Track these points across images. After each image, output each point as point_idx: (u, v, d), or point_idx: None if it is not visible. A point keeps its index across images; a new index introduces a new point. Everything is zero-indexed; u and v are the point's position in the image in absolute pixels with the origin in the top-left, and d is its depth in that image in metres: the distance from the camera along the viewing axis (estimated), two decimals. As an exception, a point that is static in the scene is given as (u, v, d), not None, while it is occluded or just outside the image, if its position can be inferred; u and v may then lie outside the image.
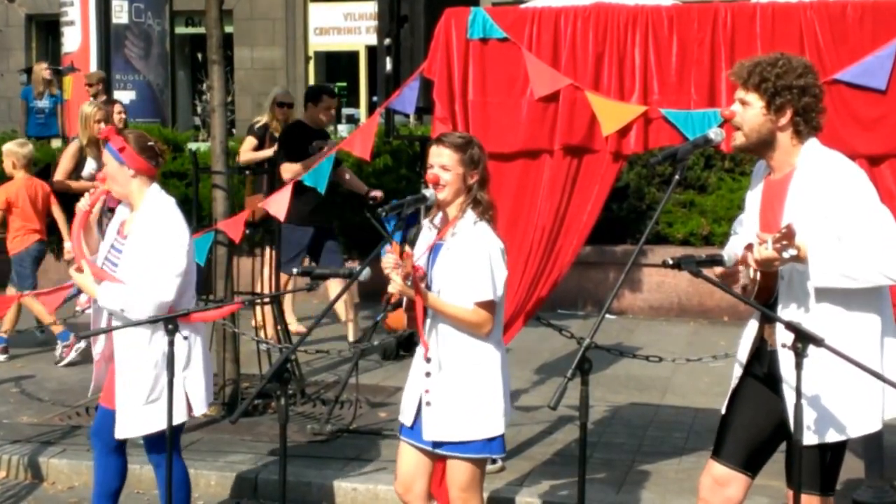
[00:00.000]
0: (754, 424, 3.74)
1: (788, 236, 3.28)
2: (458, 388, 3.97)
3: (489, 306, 3.97)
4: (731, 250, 3.64)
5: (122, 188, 4.62)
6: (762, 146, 3.65)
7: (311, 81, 16.46)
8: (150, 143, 4.64)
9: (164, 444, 4.43)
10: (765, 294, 3.65)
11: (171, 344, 4.14)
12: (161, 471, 4.54)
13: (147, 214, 4.57)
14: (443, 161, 4.01)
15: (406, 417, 4.09)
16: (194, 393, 4.59)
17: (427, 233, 4.17)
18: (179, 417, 4.51)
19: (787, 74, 3.56)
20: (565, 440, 6.31)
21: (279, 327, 7.15)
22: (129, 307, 4.41)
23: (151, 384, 4.50)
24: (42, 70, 13.29)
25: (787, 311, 3.56)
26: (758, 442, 3.75)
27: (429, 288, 4.01)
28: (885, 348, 3.58)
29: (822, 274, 3.42)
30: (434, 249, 4.06)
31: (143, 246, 4.49)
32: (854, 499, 5.27)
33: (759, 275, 3.59)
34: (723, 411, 3.84)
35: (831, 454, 3.61)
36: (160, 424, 4.50)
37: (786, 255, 3.30)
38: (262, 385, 3.71)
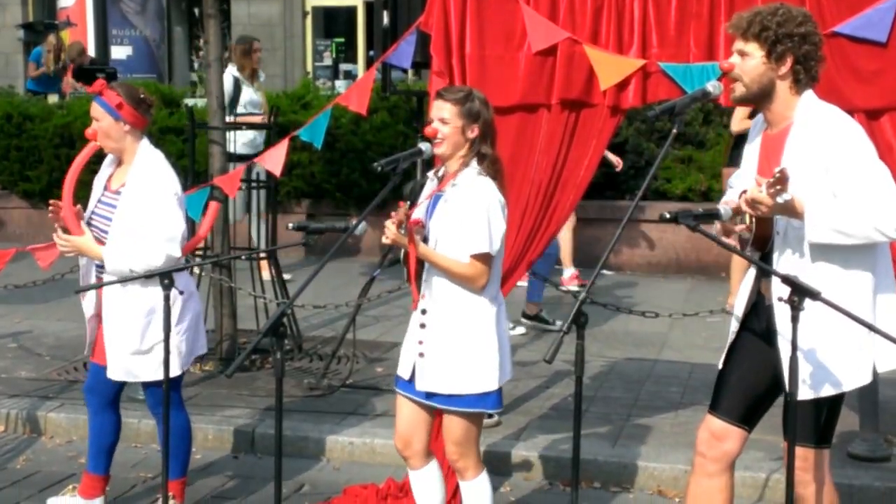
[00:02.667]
0: (751, 379, 3.75)
1: (782, 181, 3.27)
2: (450, 341, 3.96)
3: (485, 260, 3.94)
4: (728, 204, 3.63)
5: (116, 143, 4.59)
6: (762, 97, 3.63)
7: (309, 36, 16.34)
8: (141, 96, 4.63)
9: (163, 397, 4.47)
10: (760, 246, 3.64)
11: (167, 299, 4.13)
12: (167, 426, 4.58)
13: (144, 169, 4.55)
14: (442, 114, 3.98)
15: (403, 370, 4.09)
16: (185, 347, 4.62)
17: (430, 186, 4.16)
18: (173, 371, 4.52)
19: (787, 23, 3.55)
20: (561, 394, 6.34)
21: (276, 282, 7.16)
22: (139, 266, 4.40)
23: (140, 336, 4.52)
24: (48, 53, 13.39)
25: (783, 265, 3.56)
26: (755, 396, 3.76)
27: (425, 239, 4.00)
28: (877, 303, 3.59)
29: (818, 230, 3.41)
30: (433, 200, 4.04)
31: (143, 201, 4.48)
32: (848, 451, 5.30)
33: (755, 225, 3.59)
34: (720, 366, 3.84)
35: (827, 408, 3.62)
36: (150, 376, 4.55)
37: (780, 199, 3.29)
38: (259, 339, 3.68)
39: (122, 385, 4.74)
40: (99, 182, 4.70)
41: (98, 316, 4.67)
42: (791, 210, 3.39)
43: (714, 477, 3.78)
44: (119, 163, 4.67)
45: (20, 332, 7.86)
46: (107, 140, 4.57)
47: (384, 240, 3.88)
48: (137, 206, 4.48)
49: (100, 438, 4.79)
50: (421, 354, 4.00)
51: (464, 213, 3.93)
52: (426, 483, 4.18)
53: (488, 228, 3.93)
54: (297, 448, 5.65)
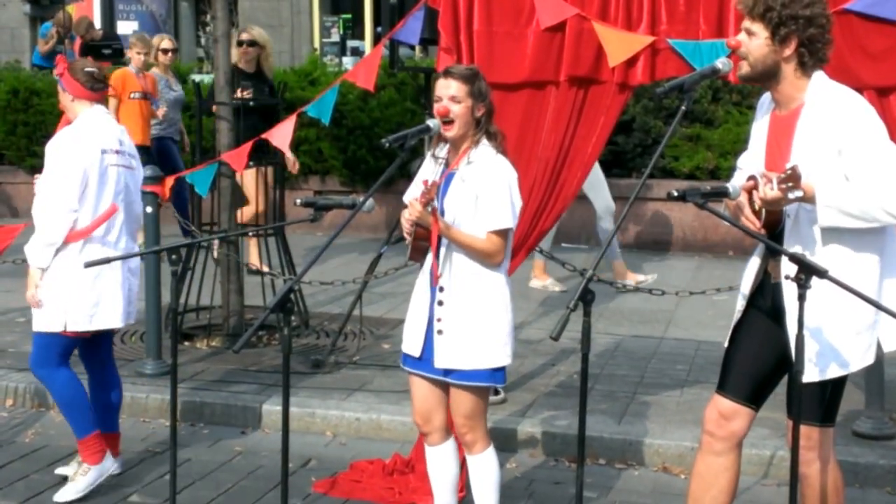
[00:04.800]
0: (758, 358, 3.75)
1: (794, 178, 3.28)
2: (469, 317, 3.98)
3: (504, 235, 3.97)
4: (736, 183, 3.62)
5: (69, 112, 4.85)
6: (767, 77, 3.61)
7: (316, 13, 16.28)
8: (87, 69, 4.80)
9: (45, 359, 4.90)
10: (769, 228, 3.64)
11: (175, 274, 4.14)
12: (47, 384, 4.98)
13: (63, 131, 4.79)
14: (451, 93, 3.98)
15: (413, 349, 4.10)
16: (72, 310, 4.79)
17: (431, 165, 4.15)
18: (52, 326, 4.81)
19: (793, 4, 3.51)
20: (567, 372, 6.36)
21: (283, 259, 7.17)
22: (43, 236, 4.75)
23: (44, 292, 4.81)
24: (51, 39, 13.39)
25: (793, 248, 3.56)
26: (762, 375, 3.76)
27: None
28: (883, 286, 3.59)
29: (828, 214, 3.41)
30: (446, 180, 4.04)
31: (46, 162, 4.74)
32: (853, 430, 5.31)
33: (764, 210, 3.58)
34: (725, 345, 3.85)
35: (832, 387, 3.62)
36: (35, 325, 4.91)
37: (791, 195, 3.30)
38: (266, 315, 3.69)
39: (72, 343, 4.95)
40: None
41: None
42: (804, 199, 3.39)
43: (721, 455, 3.79)
44: None
45: (28, 307, 7.86)
46: (66, 110, 4.87)
47: (408, 216, 3.88)
48: (46, 165, 4.73)
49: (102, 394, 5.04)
50: (439, 332, 4.01)
51: (486, 189, 3.94)
52: (443, 460, 4.19)
53: (511, 204, 3.97)
54: (303, 423, 5.68)
